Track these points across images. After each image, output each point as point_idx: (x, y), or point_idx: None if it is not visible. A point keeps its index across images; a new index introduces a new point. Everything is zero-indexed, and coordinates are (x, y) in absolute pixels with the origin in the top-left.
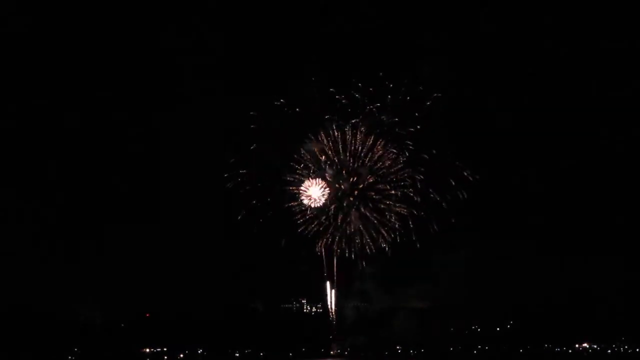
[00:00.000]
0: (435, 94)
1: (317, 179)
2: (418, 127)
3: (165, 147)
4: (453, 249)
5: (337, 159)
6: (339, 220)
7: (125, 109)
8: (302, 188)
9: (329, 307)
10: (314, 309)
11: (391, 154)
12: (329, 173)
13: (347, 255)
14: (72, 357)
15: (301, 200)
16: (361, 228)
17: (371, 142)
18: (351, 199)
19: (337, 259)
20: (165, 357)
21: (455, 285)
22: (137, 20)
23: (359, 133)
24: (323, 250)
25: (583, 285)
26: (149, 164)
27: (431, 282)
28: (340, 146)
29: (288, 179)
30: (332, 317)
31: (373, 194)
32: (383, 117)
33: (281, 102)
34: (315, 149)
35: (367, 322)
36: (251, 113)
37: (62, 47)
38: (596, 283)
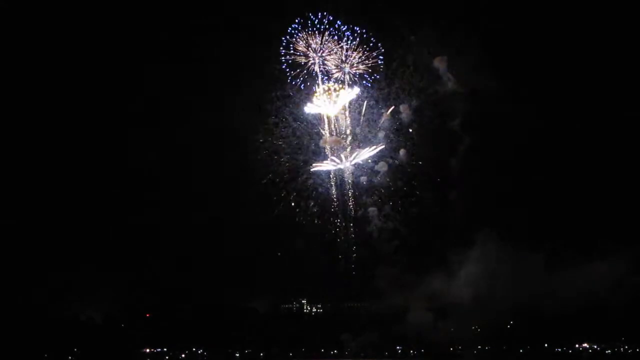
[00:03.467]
0: None
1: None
2: None
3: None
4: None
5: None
6: None
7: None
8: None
9: None
10: (314, 309)
11: None
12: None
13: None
14: (72, 357)
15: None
16: None
17: None
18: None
19: None
20: (166, 357)
21: (457, 284)
22: None
23: None
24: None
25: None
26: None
27: (439, 281)
28: None
29: None
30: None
31: None
32: None
33: None
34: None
35: (379, 319)
36: None
37: None
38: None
